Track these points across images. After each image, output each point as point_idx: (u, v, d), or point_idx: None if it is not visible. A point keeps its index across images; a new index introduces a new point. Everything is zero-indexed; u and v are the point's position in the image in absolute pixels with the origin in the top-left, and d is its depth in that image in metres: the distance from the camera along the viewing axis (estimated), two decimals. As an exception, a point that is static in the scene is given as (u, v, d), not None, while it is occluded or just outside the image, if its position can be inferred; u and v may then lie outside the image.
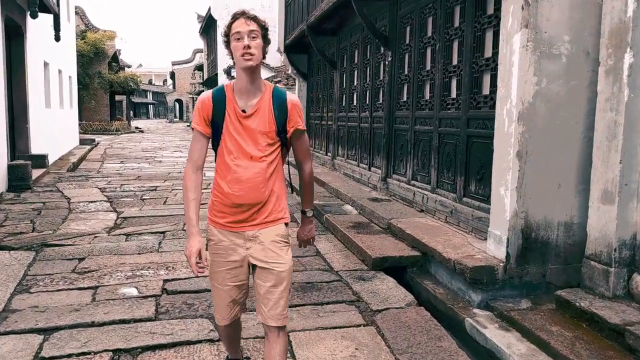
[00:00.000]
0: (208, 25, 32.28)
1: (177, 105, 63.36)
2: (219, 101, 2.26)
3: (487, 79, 4.86)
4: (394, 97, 7.06)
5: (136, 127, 36.10)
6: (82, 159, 15.06)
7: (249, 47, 2.12)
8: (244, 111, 2.23)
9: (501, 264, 4.02)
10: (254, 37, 2.14)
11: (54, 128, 14.19)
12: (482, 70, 4.92)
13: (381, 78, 7.68)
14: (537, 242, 4.05)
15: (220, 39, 27.68)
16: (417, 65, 6.36)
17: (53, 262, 4.88)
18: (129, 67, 40.88)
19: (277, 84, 14.81)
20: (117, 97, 39.35)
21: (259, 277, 2.31)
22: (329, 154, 10.95)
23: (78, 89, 28.09)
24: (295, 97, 2.36)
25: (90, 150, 17.69)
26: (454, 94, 5.48)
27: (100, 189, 9.50)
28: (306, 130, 2.42)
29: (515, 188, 3.95)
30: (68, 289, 4.17)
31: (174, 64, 54.88)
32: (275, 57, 23.05)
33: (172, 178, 10.96)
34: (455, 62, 5.46)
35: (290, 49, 13.09)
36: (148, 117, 68.59)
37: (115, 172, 11.99)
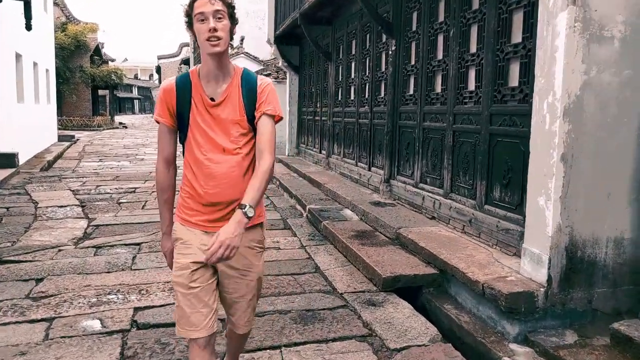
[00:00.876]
0: (194, 18, 31.25)
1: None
2: (184, 89, 2.03)
3: (515, 69, 4.17)
4: (399, 90, 6.36)
5: (120, 123, 35.06)
6: (59, 157, 14.20)
7: (215, 29, 1.91)
8: (212, 99, 2.02)
9: (541, 289, 3.35)
10: (219, 18, 1.92)
11: (28, 124, 13.29)
12: (508, 58, 4.23)
13: (383, 70, 6.98)
14: (583, 262, 3.39)
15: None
16: (426, 54, 5.66)
17: (4, 285, 4.11)
18: (112, 61, 39.70)
19: (267, 77, 14.03)
20: (101, 92, 38.24)
21: (226, 283, 2.11)
22: (323, 152, 10.23)
23: (58, 83, 27.01)
24: (266, 79, 2.11)
25: (68, 148, 16.80)
26: (472, 86, 4.79)
27: (73, 191, 8.70)
28: (281, 119, 2.09)
29: (560, 198, 3.27)
30: (17, 322, 3.42)
31: (159, 58, 53.71)
32: (264, 49, 22.27)
33: (153, 178, 10.15)
34: (473, 49, 4.76)
35: (281, 40, 12.32)
36: (133, 112, 67.29)
37: (92, 172, 11.17)
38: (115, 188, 9.04)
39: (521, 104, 4.02)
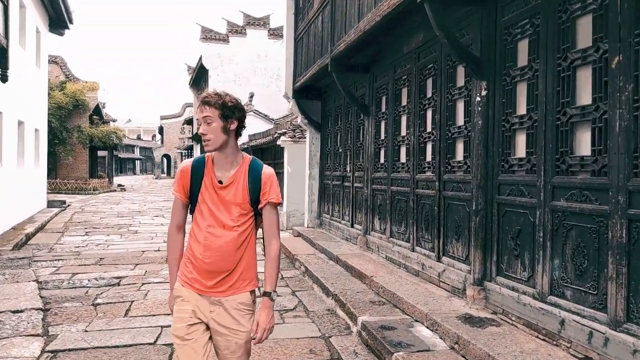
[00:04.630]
0: (199, 76, 30.20)
1: (164, 160, 61.00)
2: (198, 171, 2.32)
3: None
4: (495, 151, 4.46)
5: (119, 185, 33.27)
6: (41, 228, 12.21)
7: (204, 133, 2.20)
8: (220, 182, 2.30)
9: None
10: (208, 123, 2.20)
11: (6, 191, 11.41)
12: None
13: (461, 124, 5.10)
14: None
15: (211, 89, 25.82)
16: (551, 97, 3.79)
17: None
18: (114, 121, 38.53)
19: (282, 136, 12.27)
20: (100, 153, 36.78)
21: (220, 340, 2.33)
22: (357, 226, 8.24)
23: (54, 144, 25.49)
24: (270, 170, 2.37)
25: (55, 216, 14.83)
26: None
27: (40, 283, 6.64)
28: (281, 203, 2.38)
29: None
30: None
31: (162, 118, 52.88)
32: (273, 107, 20.82)
33: (147, 261, 8.13)
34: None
35: (300, 94, 10.62)
36: (134, 173, 65.98)
37: (73, 251, 9.12)
38: (95, 278, 6.97)
39: None
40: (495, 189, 4.43)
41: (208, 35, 26.53)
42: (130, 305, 5.66)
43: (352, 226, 8.56)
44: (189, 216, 2.45)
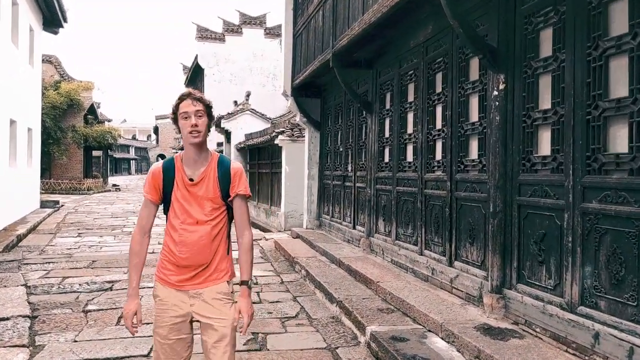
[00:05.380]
0: (194, 76, 29.79)
1: (160, 160, 60.50)
2: (169, 171, 2.43)
3: None
4: (514, 149, 4.15)
5: (113, 185, 32.85)
6: (32, 229, 11.85)
7: (196, 125, 2.32)
8: (191, 180, 2.39)
9: None
10: (200, 116, 2.34)
11: (-3, 191, 11.07)
12: None
13: (475, 120, 4.80)
14: None
15: (207, 89, 25.27)
16: (580, 90, 3.49)
17: None
18: (109, 121, 37.98)
19: (280, 135, 11.94)
20: (95, 153, 36.32)
21: (204, 333, 2.41)
22: (360, 228, 7.93)
23: (48, 143, 25.07)
24: (238, 164, 2.49)
25: (48, 217, 14.46)
26: None
27: (29, 287, 6.32)
28: (250, 196, 2.51)
29: None
30: None
31: (157, 118, 52.46)
32: (269, 106, 20.48)
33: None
34: None
35: (299, 92, 10.30)
36: (130, 173, 65.37)
37: (65, 253, 8.78)
38: (87, 282, 6.64)
39: None
40: (516, 189, 4.12)
41: (204, 34, 26.19)
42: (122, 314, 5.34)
43: (354, 228, 8.25)
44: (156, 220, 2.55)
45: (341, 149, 9.10)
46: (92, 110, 30.02)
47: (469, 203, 4.84)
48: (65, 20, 16.91)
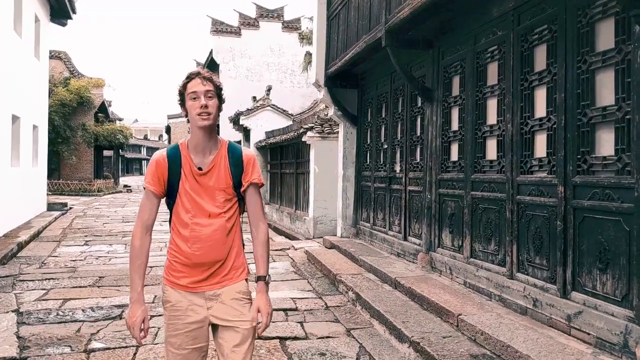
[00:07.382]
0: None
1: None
2: (175, 160, 2.20)
3: None
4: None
5: (124, 186, 31.91)
6: (36, 235, 10.78)
7: (206, 106, 2.11)
8: (200, 169, 2.19)
9: None
10: (210, 97, 2.14)
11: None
12: None
13: (610, 103, 3.54)
14: None
15: (222, 85, 24.42)
16: None
17: None
18: (120, 120, 37.09)
19: (309, 132, 10.73)
20: (106, 153, 35.43)
21: (222, 336, 2.21)
22: (414, 239, 6.69)
23: (56, 142, 24.07)
24: (250, 152, 2.33)
25: (54, 220, 13.43)
26: None
27: (21, 315, 5.19)
28: (263, 185, 2.32)
29: None
30: None
31: (169, 117, 51.53)
32: (287, 102, 19.30)
33: (156, 281, 6.44)
34: None
35: (334, 82, 9.07)
36: (141, 174, 64.65)
37: (68, 267, 7.62)
38: (91, 307, 5.47)
39: None
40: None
41: (219, 27, 25.02)
42: (135, 353, 4.17)
43: (405, 239, 7.00)
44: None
45: (385, 146, 7.87)
46: (103, 108, 29.06)
47: (598, 216, 3.58)
48: (74, 11, 15.90)
